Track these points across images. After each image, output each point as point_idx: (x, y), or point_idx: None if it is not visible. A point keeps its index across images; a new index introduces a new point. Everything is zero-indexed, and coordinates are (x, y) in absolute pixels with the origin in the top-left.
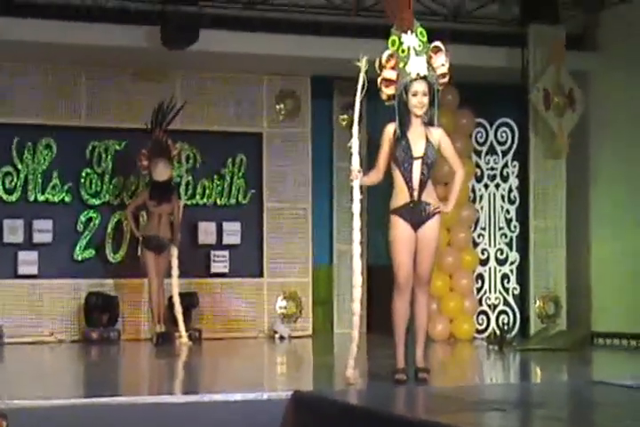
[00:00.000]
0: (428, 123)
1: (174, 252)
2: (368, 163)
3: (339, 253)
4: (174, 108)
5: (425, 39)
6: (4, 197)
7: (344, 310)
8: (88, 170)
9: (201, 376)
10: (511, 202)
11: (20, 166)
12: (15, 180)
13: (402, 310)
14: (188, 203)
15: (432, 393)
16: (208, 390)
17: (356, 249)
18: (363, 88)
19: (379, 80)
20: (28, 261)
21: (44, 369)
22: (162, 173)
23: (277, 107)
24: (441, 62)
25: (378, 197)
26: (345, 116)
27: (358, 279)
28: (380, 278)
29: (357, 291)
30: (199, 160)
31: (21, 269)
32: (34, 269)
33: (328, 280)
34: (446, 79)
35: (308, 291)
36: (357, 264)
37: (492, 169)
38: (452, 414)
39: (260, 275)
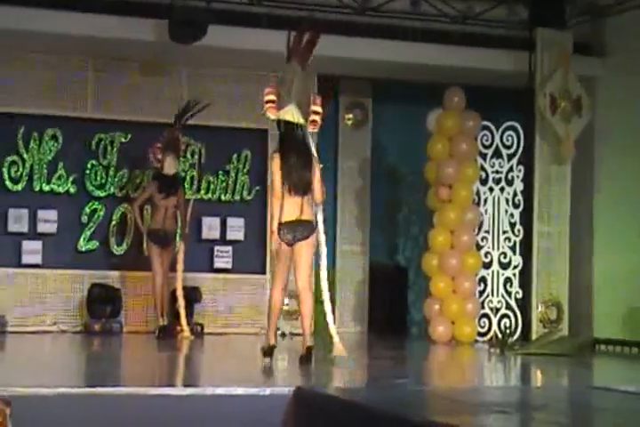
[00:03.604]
0: None
1: (182, 246)
2: (372, 165)
3: (341, 254)
4: (198, 106)
5: None
6: (10, 186)
7: (346, 309)
8: (93, 162)
9: (202, 370)
10: (515, 206)
11: (25, 156)
12: (21, 169)
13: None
14: (193, 198)
15: (432, 394)
16: (210, 383)
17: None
18: None
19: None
20: (32, 250)
21: (47, 359)
22: (170, 166)
23: None
24: None
25: (380, 200)
26: (350, 116)
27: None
28: (382, 278)
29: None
30: (204, 155)
31: (25, 259)
32: (38, 259)
33: (330, 280)
34: None
35: None
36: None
37: (497, 172)
38: (451, 414)
39: (263, 272)
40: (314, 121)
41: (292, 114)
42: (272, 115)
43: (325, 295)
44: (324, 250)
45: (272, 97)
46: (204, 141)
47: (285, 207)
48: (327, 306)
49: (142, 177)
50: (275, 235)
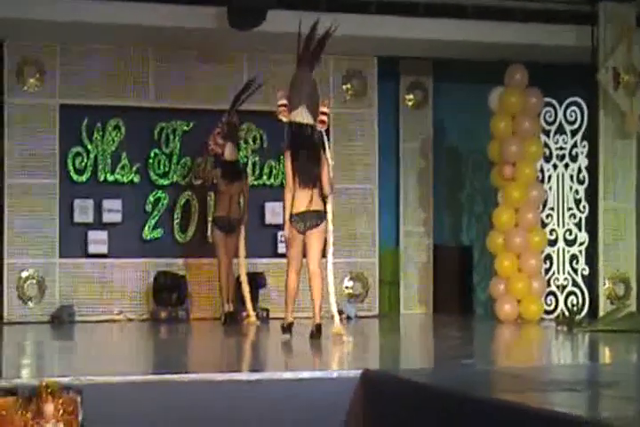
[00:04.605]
0: None
1: (242, 232)
2: (434, 145)
3: (405, 235)
4: (252, 87)
5: None
6: (75, 177)
7: (410, 291)
8: (156, 150)
9: (269, 355)
10: (580, 182)
11: (89, 147)
12: (85, 160)
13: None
14: (255, 183)
15: (500, 373)
16: (276, 368)
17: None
18: None
19: None
20: (97, 240)
21: (115, 347)
22: (232, 153)
23: (344, 87)
24: None
25: (442, 180)
26: (411, 97)
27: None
28: (446, 258)
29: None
30: (266, 141)
31: (91, 249)
32: (104, 249)
33: (394, 261)
34: None
35: (374, 271)
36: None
37: (561, 149)
38: (521, 393)
39: (324, 255)
40: (322, 121)
41: (301, 116)
42: (284, 117)
43: (330, 280)
44: (330, 239)
45: (284, 101)
46: (266, 127)
47: (297, 199)
48: (331, 289)
49: (205, 165)
50: (287, 224)
